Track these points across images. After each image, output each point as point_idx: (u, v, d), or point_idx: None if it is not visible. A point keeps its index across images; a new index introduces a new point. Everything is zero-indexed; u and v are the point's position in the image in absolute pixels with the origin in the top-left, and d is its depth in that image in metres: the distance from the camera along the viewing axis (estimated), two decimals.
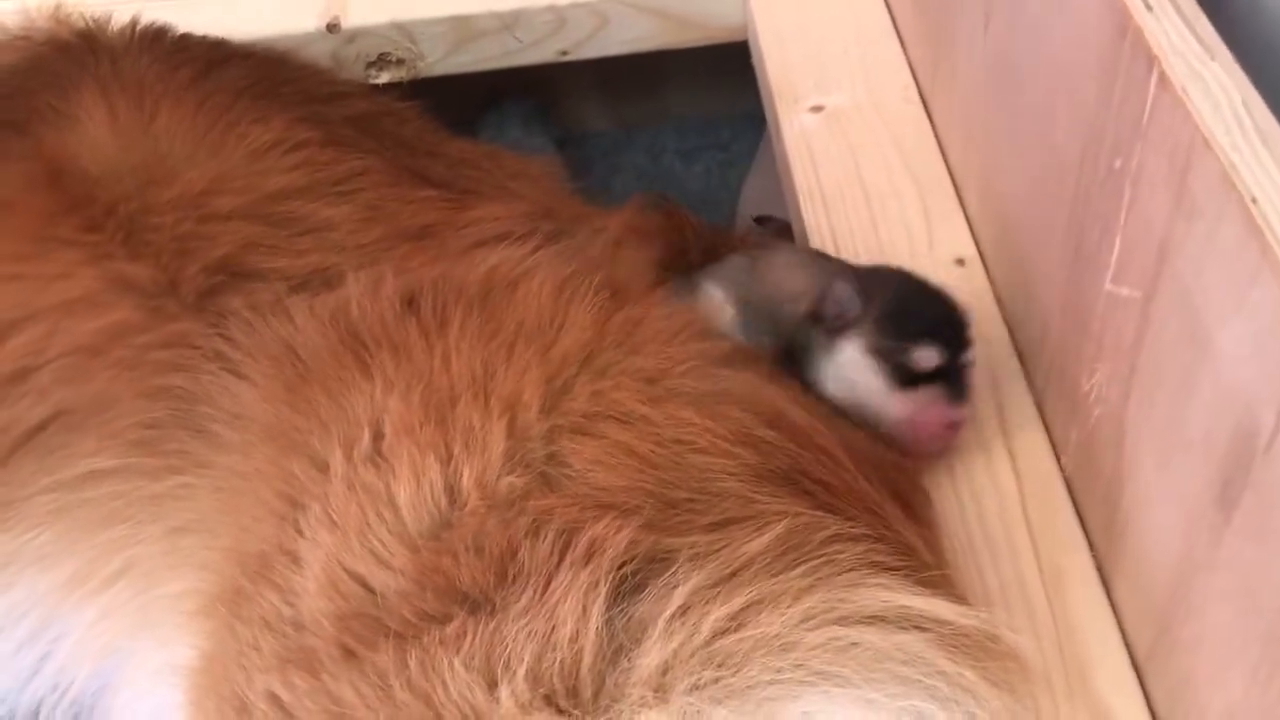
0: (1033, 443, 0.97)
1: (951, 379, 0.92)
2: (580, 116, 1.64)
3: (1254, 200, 0.61)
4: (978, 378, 0.99)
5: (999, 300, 1.05)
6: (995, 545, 0.91)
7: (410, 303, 0.89)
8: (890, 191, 1.15)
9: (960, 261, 1.09)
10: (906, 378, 0.91)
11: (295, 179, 1.00)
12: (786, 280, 0.97)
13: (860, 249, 1.10)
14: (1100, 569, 0.89)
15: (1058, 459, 0.95)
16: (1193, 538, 0.73)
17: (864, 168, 1.17)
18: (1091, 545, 0.90)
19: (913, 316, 0.93)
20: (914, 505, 0.88)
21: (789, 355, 0.94)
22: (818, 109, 1.22)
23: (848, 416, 0.92)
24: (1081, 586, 0.88)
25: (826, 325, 0.93)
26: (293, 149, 1.02)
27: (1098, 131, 0.79)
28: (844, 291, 0.92)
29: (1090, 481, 0.90)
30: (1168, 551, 0.77)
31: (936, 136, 1.19)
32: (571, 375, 0.84)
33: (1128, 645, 0.85)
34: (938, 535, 0.88)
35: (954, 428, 0.93)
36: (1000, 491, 0.94)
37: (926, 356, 0.91)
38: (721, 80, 1.54)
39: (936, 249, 1.10)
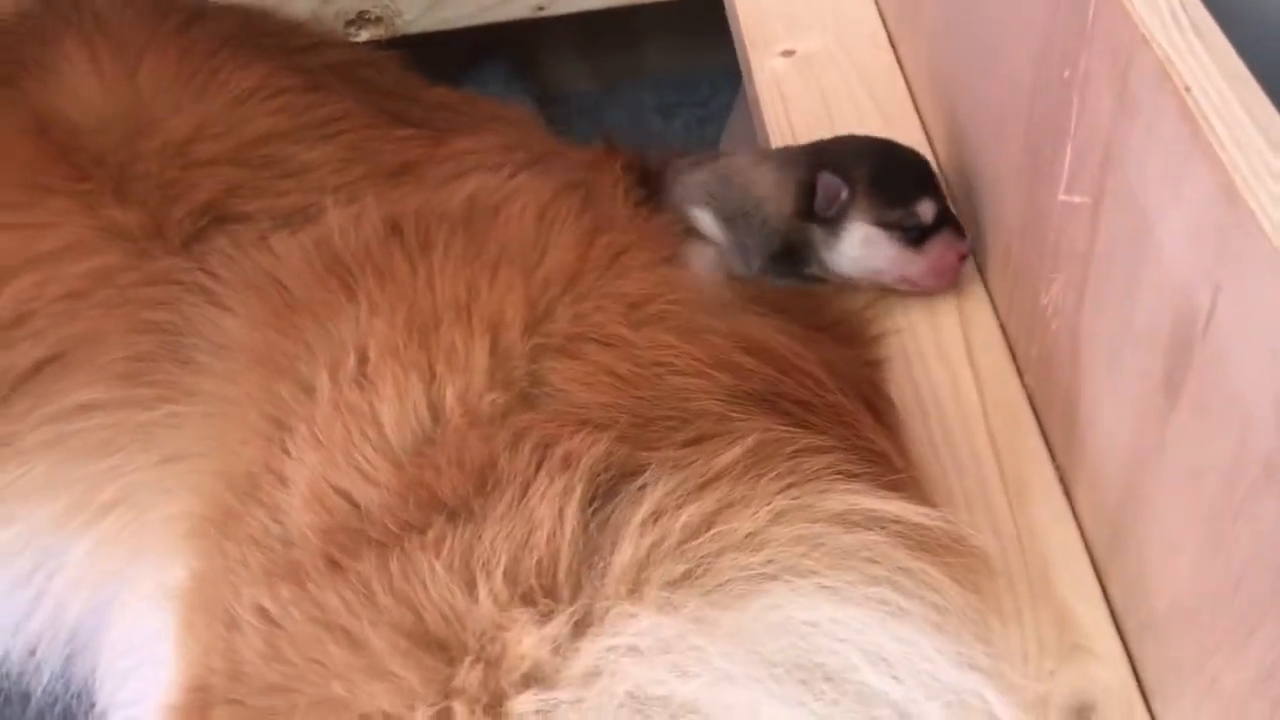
0: (996, 364, 0.99)
1: (946, 217, 0.99)
2: (560, 76, 1.66)
3: (1188, 89, 0.64)
4: (942, 304, 1.03)
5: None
6: (960, 460, 0.93)
7: (394, 228, 0.91)
8: (861, 131, 1.17)
9: None
10: (917, 235, 0.98)
11: (277, 123, 1.03)
12: (757, 184, 1.00)
13: None
14: (1061, 479, 0.91)
15: (1021, 378, 0.97)
16: (1142, 430, 0.75)
17: (834, 110, 1.19)
18: (1053, 457, 0.92)
19: (898, 181, 0.99)
20: (883, 413, 0.90)
21: (786, 254, 0.98)
22: (789, 53, 1.24)
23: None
24: (1043, 496, 0.91)
25: (821, 216, 0.97)
26: (274, 95, 1.04)
27: (1047, 45, 0.82)
28: (830, 181, 0.97)
29: (1050, 394, 0.92)
30: (1120, 448, 0.79)
31: (905, 78, 1.21)
32: (554, 297, 0.86)
33: (1088, 549, 0.87)
34: (905, 441, 0.91)
35: (964, 258, 1.01)
36: (965, 410, 0.96)
37: (926, 210, 0.98)
38: (698, 37, 1.56)
39: None
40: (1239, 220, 0.59)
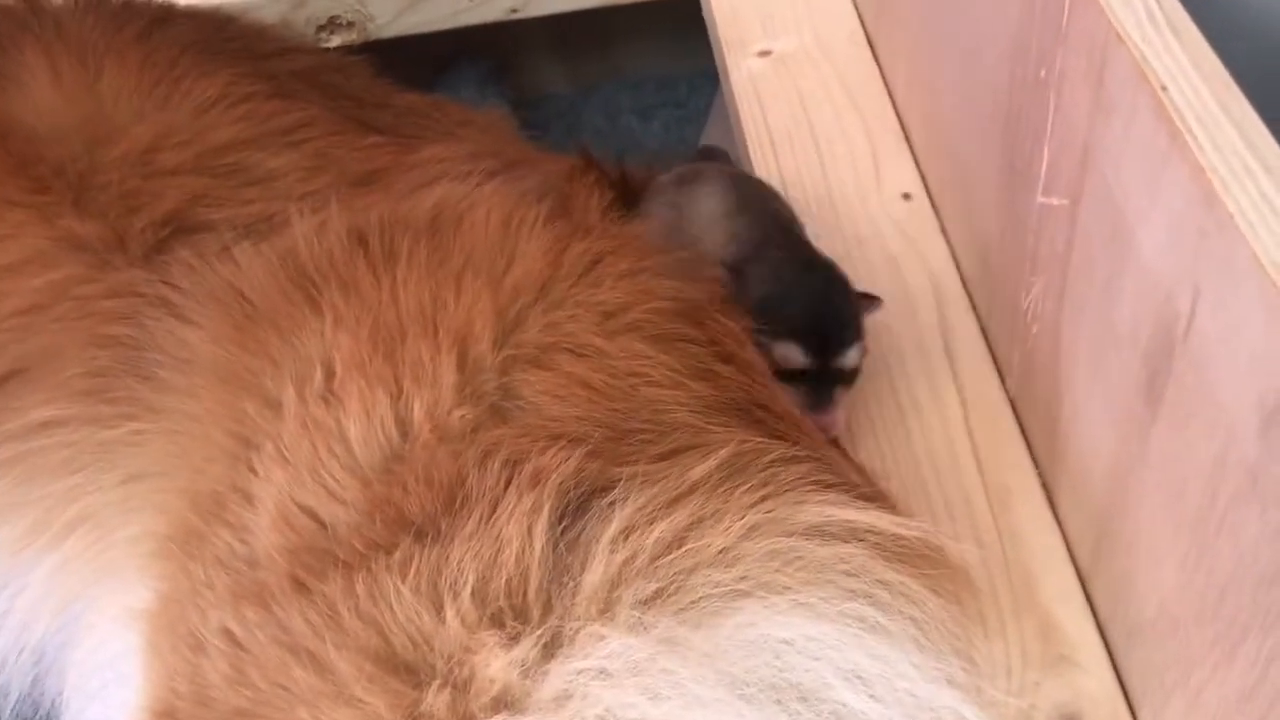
0: (978, 369, 0.97)
1: (822, 382, 0.90)
2: (535, 79, 1.64)
3: (1164, 88, 0.62)
4: (923, 309, 1.01)
5: (944, 232, 1.06)
6: (940, 467, 0.91)
7: (358, 239, 0.89)
8: (838, 132, 1.16)
9: (906, 196, 1.10)
10: (777, 370, 0.89)
11: (241, 131, 1.00)
12: (705, 236, 0.97)
13: (809, 190, 1.11)
14: (1045, 485, 0.90)
15: (1003, 382, 0.96)
16: (1124, 438, 0.73)
17: (811, 110, 1.18)
18: (1036, 463, 0.91)
19: (784, 313, 0.90)
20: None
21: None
22: (765, 54, 1.23)
23: None
24: (1026, 503, 0.89)
25: None
26: (238, 102, 1.02)
27: (1023, 45, 0.80)
28: (723, 275, 0.91)
29: (1032, 400, 0.91)
30: (1103, 456, 0.77)
31: (883, 77, 1.20)
32: (525, 306, 0.84)
33: (1072, 557, 0.86)
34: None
35: (825, 428, 0.90)
36: (946, 417, 0.95)
37: (786, 357, 0.89)
38: (675, 38, 1.54)
39: (884, 186, 1.11)
40: (1218, 222, 0.57)
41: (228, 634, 0.75)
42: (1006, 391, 0.95)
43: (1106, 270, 0.73)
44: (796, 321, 0.90)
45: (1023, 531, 0.88)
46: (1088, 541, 0.84)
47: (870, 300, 0.94)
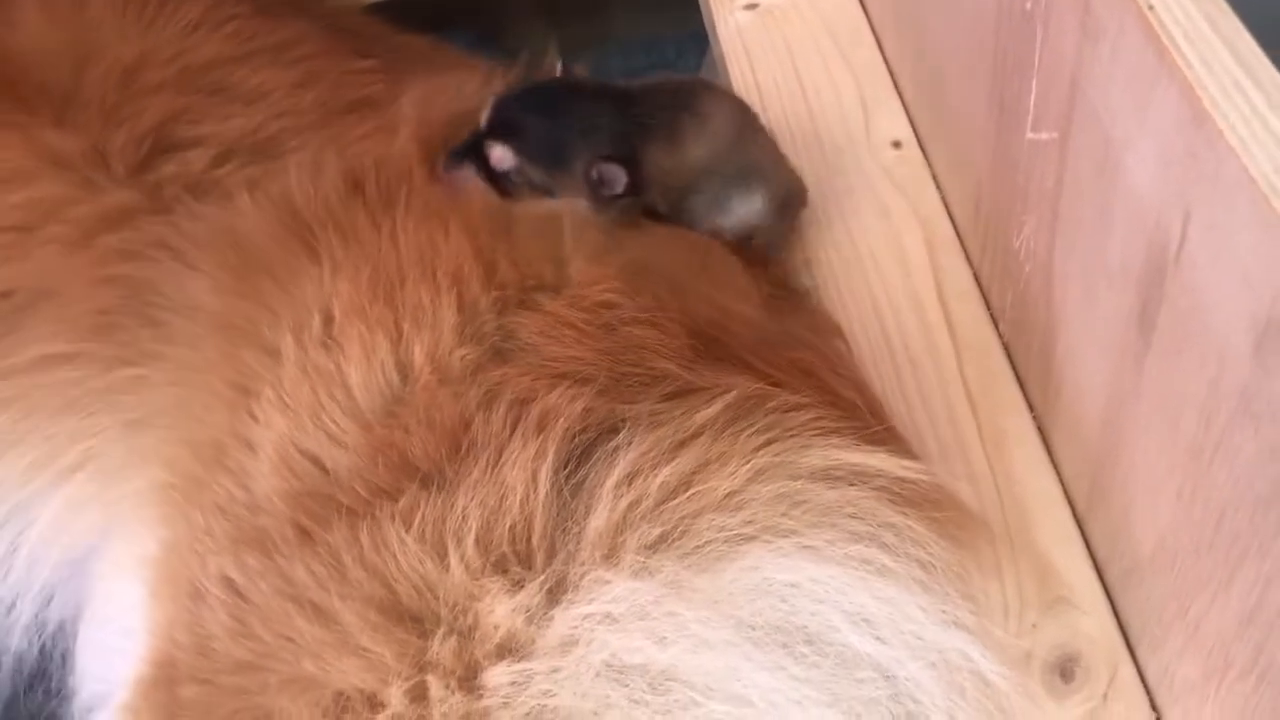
0: (971, 315, 0.96)
1: (464, 152, 0.92)
2: (526, 44, 1.62)
3: (1150, 7, 0.61)
4: (915, 256, 1.00)
5: (935, 179, 1.05)
6: (935, 412, 0.91)
7: (354, 185, 0.88)
8: (826, 82, 1.14)
9: (897, 144, 1.08)
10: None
11: (226, 49, 1.00)
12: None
13: (798, 141, 1.10)
14: (1040, 428, 0.89)
15: (996, 326, 0.95)
16: (1118, 371, 0.72)
17: (799, 61, 1.16)
18: (1031, 406, 0.90)
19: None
20: (846, 373, 0.87)
21: None
22: (752, 6, 1.21)
23: None
24: (1022, 446, 0.88)
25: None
26: (224, 21, 1.02)
27: None
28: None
29: (1026, 342, 0.89)
30: (1097, 392, 0.76)
31: (871, 25, 1.18)
32: (491, 242, 0.83)
33: (1068, 499, 0.85)
34: (876, 397, 0.88)
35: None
36: (940, 364, 0.94)
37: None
38: (663, 1, 1.52)
39: (873, 135, 1.10)
40: (1208, 140, 0.56)
41: (228, 582, 0.74)
42: (1000, 335, 0.94)
43: (1097, 202, 0.71)
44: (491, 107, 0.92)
45: (1018, 475, 0.87)
46: (1084, 482, 0.83)
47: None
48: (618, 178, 0.89)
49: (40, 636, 0.92)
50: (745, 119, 0.99)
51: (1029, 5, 0.76)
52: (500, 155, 0.90)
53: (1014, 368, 0.92)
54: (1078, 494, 0.84)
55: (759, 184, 0.95)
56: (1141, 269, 0.66)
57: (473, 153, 0.91)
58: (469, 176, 0.91)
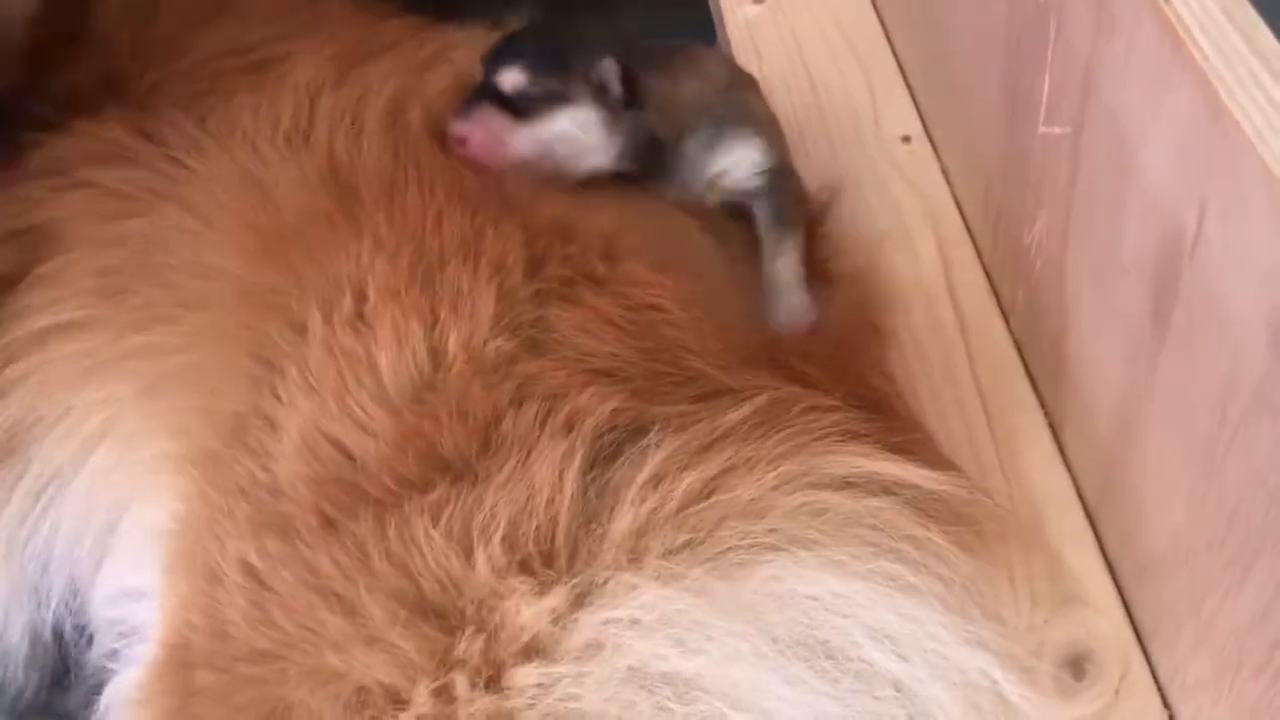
0: (982, 310, 0.96)
1: (476, 96, 0.91)
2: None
3: (1167, 1, 0.60)
4: (925, 251, 0.99)
5: (945, 173, 1.04)
6: (945, 409, 0.90)
7: (409, 155, 0.87)
8: (835, 76, 1.14)
9: (906, 139, 1.08)
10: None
11: None
12: None
13: (807, 135, 1.09)
14: (1051, 424, 0.88)
15: (1007, 322, 0.94)
16: (1132, 369, 0.72)
17: (808, 54, 1.16)
18: (1042, 402, 0.89)
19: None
20: (878, 371, 0.86)
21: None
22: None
23: None
24: (1033, 443, 0.88)
25: None
26: None
27: None
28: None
29: (1037, 338, 0.89)
30: (1110, 389, 0.76)
31: (879, 17, 1.18)
32: (548, 242, 0.82)
33: (1080, 496, 0.85)
34: (903, 396, 0.87)
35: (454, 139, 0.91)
36: (950, 360, 0.93)
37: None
38: None
39: (882, 128, 1.09)
40: (1224, 133, 0.56)
41: (248, 567, 0.73)
42: (1011, 331, 0.94)
43: (1110, 196, 0.71)
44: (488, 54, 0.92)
45: (1029, 472, 0.86)
46: (1095, 479, 0.82)
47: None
48: (614, 75, 0.89)
49: (68, 606, 0.91)
50: (741, 76, 0.99)
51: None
52: (511, 78, 0.90)
53: (1025, 363, 0.92)
54: (1089, 490, 0.84)
55: (756, 132, 0.94)
56: (1155, 263, 0.66)
57: (482, 93, 0.91)
58: (488, 115, 0.90)
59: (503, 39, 0.94)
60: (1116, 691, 0.76)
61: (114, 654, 0.87)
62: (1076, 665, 0.77)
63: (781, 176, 0.95)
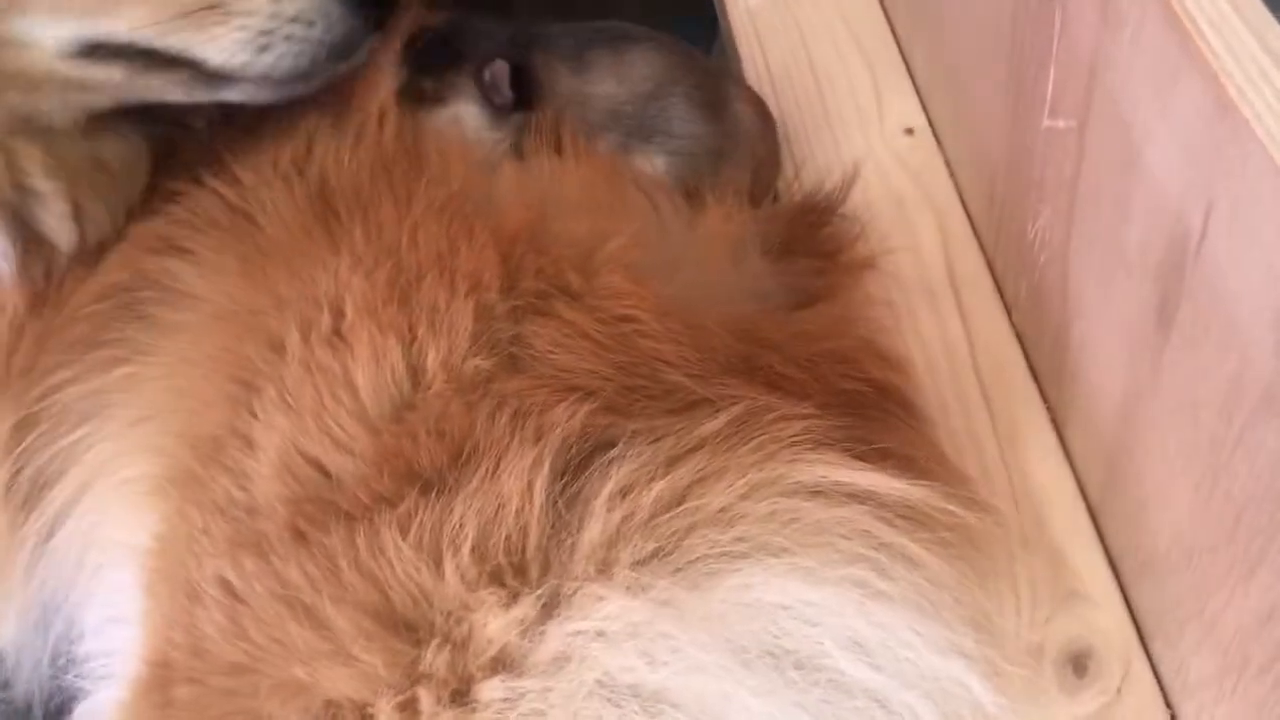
0: (984, 304, 0.95)
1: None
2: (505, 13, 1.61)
3: None
4: (927, 244, 0.99)
5: (949, 165, 1.04)
6: (947, 403, 0.90)
7: (384, 168, 0.87)
8: (839, 67, 1.13)
9: (909, 131, 1.07)
10: None
11: None
12: None
13: (809, 126, 1.09)
14: (1053, 419, 0.88)
15: (1009, 316, 0.94)
16: (1136, 364, 0.71)
17: (811, 45, 1.15)
18: (1044, 397, 0.89)
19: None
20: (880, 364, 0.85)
21: None
22: None
23: None
24: (1035, 437, 0.87)
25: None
26: None
27: None
28: None
29: (1039, 332, 0.89)
30: (1113, 385, 0.76)
31: (883, 8, 1.17)
32: (522, 253, 0.81)
33: (1082, 491, 0.84)
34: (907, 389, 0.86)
35: None
36: (952, 354, 0.93)
37: None
38: None
39: (886, 120, 1.08)
40: (1233, 131, 0.55)
41: (225, 584, 0.72)
42: (1013, 325, 0.93)
43: (1115, 192, 0.70)
44: None
45: (1031, 466, 0.86)
46: (1098, 475, 0.82)
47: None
48: (503, 78, 0.90)
49: (58, 634, 0.92)
50: (687, 76, 0.96)
51: None
52: (398, 75, 0.91)
53: (1027, 358, 0.91)
54: (1091, 486, 0.83)
55: (663, 149, 0.93)
56: (1161, 261, 0.65)
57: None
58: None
59: (414, 33, 0.94)
60: (1119, 690, 0.76)
61: (97, 673, 0.88)
62: (1078, 662, 0.77)
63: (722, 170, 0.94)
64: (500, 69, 0.88)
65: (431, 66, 0.90)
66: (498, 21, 0.96)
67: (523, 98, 0.89)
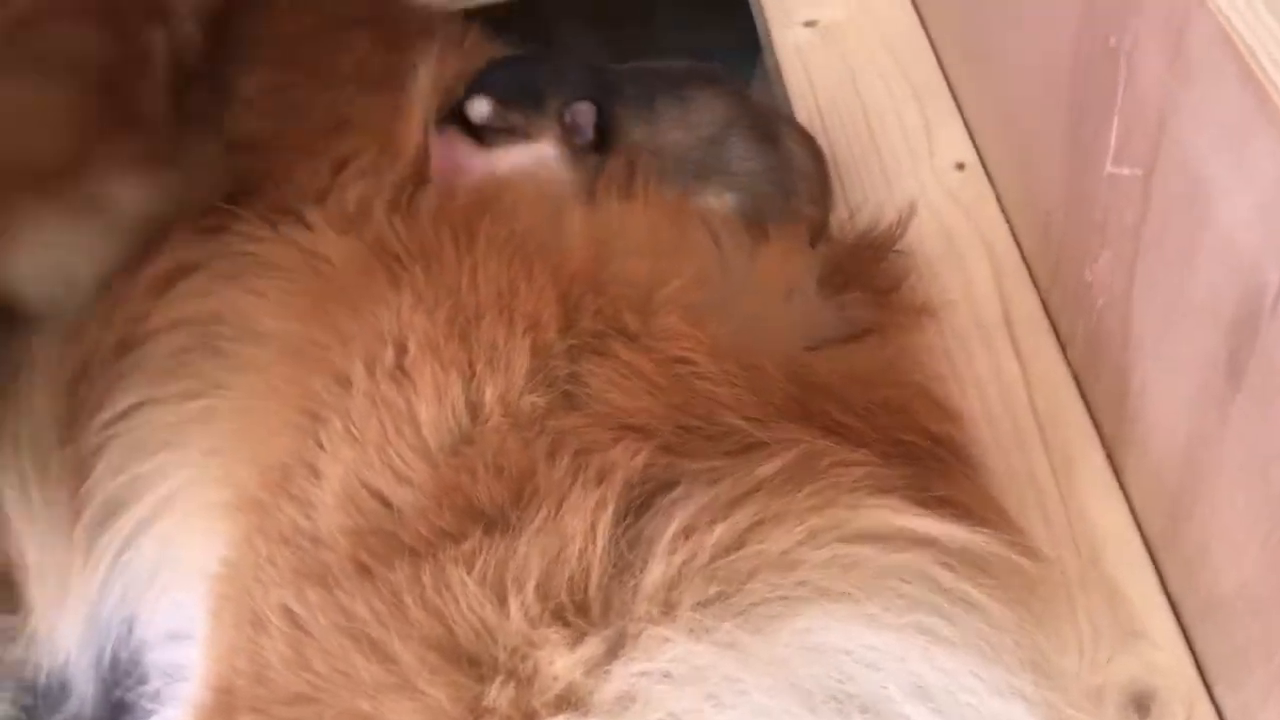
0: (1039, 341, 0.96)
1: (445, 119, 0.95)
2: (572, 53, 1.62)
3: (1251, 53, 0.60)
4: (979, 279, 1.00)
5: (1000, 201, 1.04)
6: (1003, 441, 0.90)
7: (444, 215, 0.89)
8: (888, 102, 1.14)
9: (960, 166, 1.08)
10: None
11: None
12: None
13: (859, 162, 1.10)
14: (1110, 457, 0.88)
15: (1064, 353, 0.94)
16: (1201, 413, 0.72)
17: (860, 80, 1.16)
18: (1101, 435, 0.90)
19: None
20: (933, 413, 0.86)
21: None
22: (811, 24, 1.21)
23: None
24: (1091, 474, 0.88)
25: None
26: None
27: (1090, 9, 0.78)
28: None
29: (1097, 371, 0.89)
30: (1177, 430, 0.76)
31: (931, 43, 1.18)
32: (581, 293, 0.83)
33: (1140, 530, 0.85)
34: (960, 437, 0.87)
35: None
36: (1007, 390, 0.93)
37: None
38: (712, 10, 1.52)
39: (936, 156, 1.09)
40: None
41: (289, 613, 0.74)
42: (1069, 362, 0.94)
43: (1182, 242, 0.71)
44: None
45: (1089, 505, 0.87)
46: (1158, 515, 0.82)
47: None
48: (588, 120, 0.90)
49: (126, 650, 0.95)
50: (743, 116, 0.97)
51: (1112, 40, 0.75)
52: (476, 106, 0.92)
53: (1084, 397, 0.92)
54: (1151, 527, 0.84)
55: (725, 187, 0.94)
56: (1232, 314, 0.66)
57: (454, 114, 0.93)
58: (452, 137, 0.93)
59: (487, 64, 0.95)
60: None
61: (158, 694, 0.90)
62: (1140, 703, 0.78)
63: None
64: (585, 111, 0.90)
65: (515, 103, 0.91)
66: (569, 61, 0.97)
67: (601, 141, 0.90)
